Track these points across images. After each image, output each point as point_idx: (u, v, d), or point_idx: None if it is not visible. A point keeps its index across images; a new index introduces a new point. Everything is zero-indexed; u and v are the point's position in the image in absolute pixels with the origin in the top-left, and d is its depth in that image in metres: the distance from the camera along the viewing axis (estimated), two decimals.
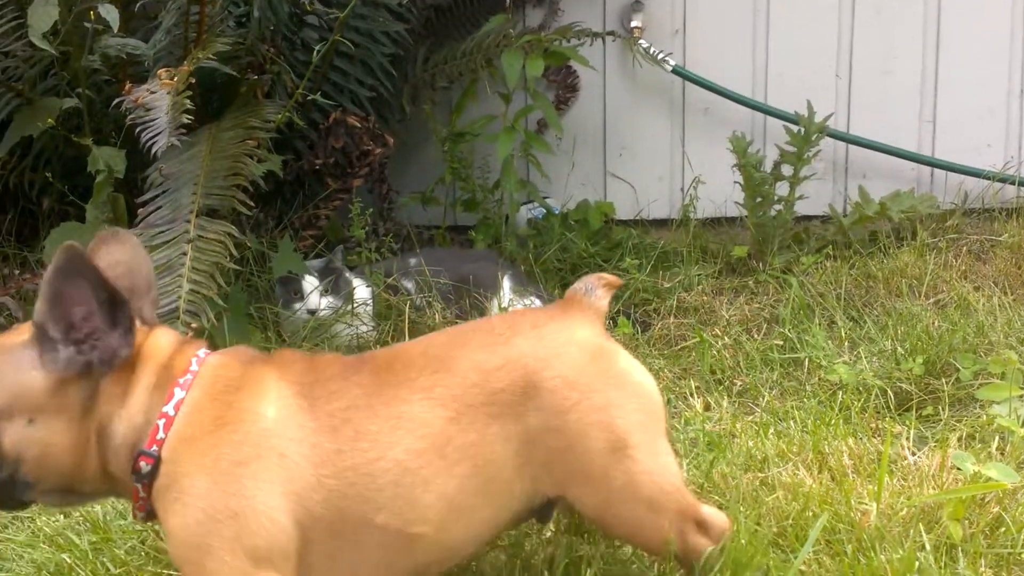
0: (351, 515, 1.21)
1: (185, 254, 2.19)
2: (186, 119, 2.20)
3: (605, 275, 1.41)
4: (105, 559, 1.55)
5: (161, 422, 1.22)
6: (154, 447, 1.22)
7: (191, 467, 1.21)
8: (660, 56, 3.40)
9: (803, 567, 1.44)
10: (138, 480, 1.23)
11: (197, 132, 2.52)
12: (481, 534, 1.31)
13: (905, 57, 3.41)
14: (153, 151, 2.19)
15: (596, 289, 1.38)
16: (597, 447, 1.28)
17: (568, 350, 1.31)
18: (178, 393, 1.24)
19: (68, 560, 1.58)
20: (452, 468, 1.24)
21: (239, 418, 1.22)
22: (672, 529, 1.32)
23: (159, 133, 2.17)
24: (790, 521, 1.59)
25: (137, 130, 2.23)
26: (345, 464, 1.21)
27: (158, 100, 2.23)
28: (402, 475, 1.22)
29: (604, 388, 1.30)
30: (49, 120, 2.54)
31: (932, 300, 2.67)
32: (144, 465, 1.22)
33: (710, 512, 1.38)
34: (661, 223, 3.54)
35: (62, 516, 1.78)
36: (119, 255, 1.31)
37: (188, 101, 2.23)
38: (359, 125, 3.14)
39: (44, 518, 1.77)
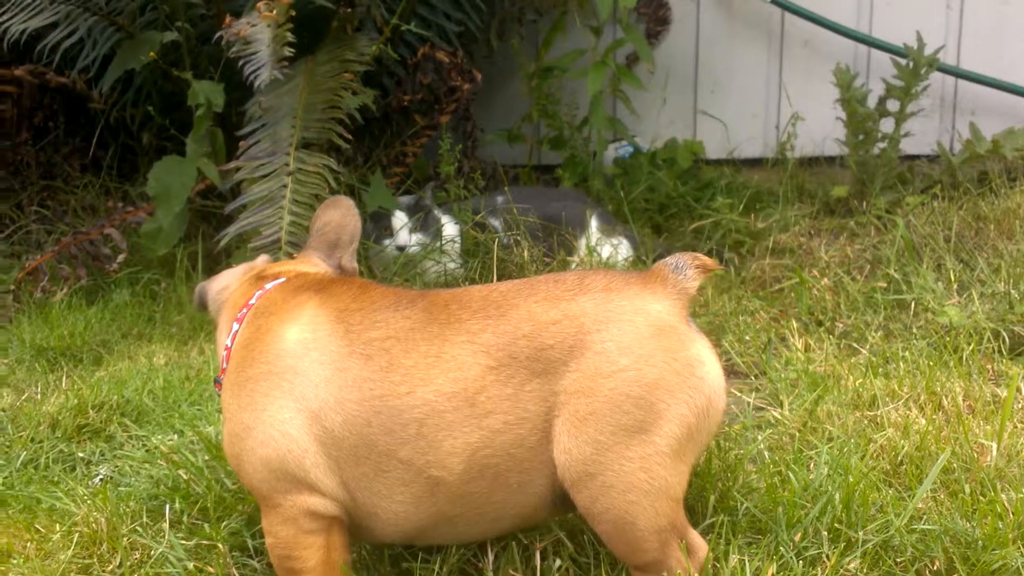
0: (375, 444, 1.20)
1: (286, 186, 2.22)
2: (287, 52, 2.20)
3: (701, 256, 1.27)
4: (221, 475, 1.61)
5: (225, 354, 1.36)
6: (221, 376, 1.36)
7: (226, 386, 1.32)
8: None
9: (919, 504, 1.40)
10: None
11: (293, 65, 2.53)
12: (511, 501, 1.22)
13: None
14: (256, 84, 2.20)
15: (687, 268, 1.24)
16: (622, 421, 1.16)
17: (632, 318, 1.19)
18: (234, 327, 1.36)
19: (184, 476, 1.64)
20: (481, 419, 1.18)
21: (260, 338, 1.29)
22: (663, 536, 1.19)
23: (261, 66, 2.19)
24: (900, 458, 1.55)
25: (240, 63, 2.25)
26: (373, 392, 1.20)
27: (259, 33, 2.24)
28: (428, 415, 1.19)
29: (660, 366, 1.17)
30: (151, 54, 2.58)
31: None
32: (216, 391, 1.35)
33: (697, 537, 1.26)
34: (753, 162, 3.44)
35: (176, 436, 1.86)
36: (332, 215, 1.52)
37: (289, 34, 2.24)
38: (447, 60, 3.11)
39: (159, 436, 1.85)
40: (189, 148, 2.63)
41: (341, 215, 1.51)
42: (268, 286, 1.39)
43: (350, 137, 2.40)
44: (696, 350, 1.21)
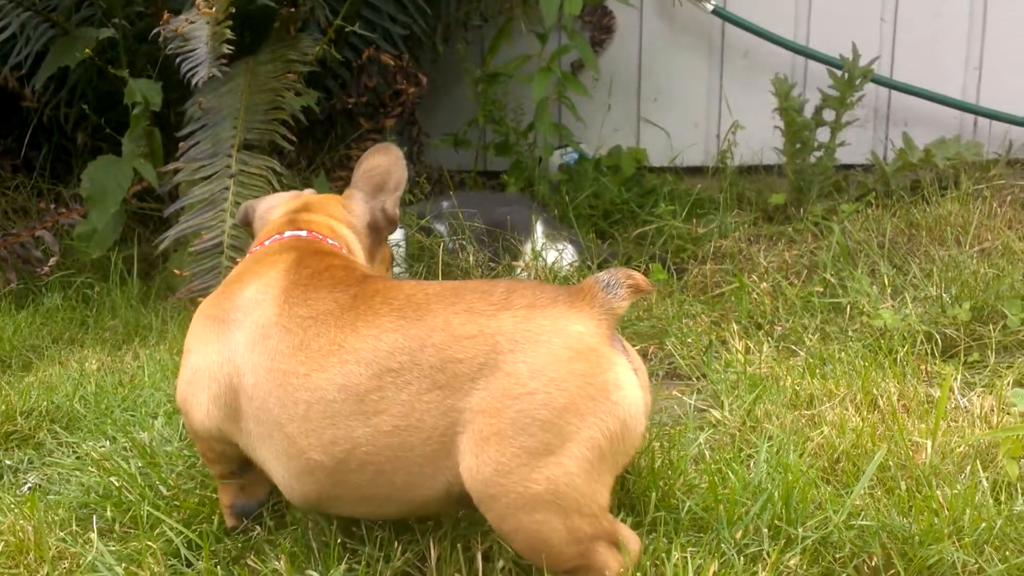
0: (271, 412, 1.25)
1: (227, 188, 2.18)
2: (226, 49, 2.17)
3: (636, 275, 1.21)
4: (155, 481, 1.56)
5: None
6: None
7: (198, 309, 1.41)
8: None
9: (857, 501, 1.43)
10: None
11: (234, 65, 2.49)
12: (396, 496, 1.22)
13: (953, 0, 3.31)
14: (194, 82, 2.16)
15: (619, 287, 1.19)
16: (527, 444, 1.13)
17: (550, 339, 1.15)
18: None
19: (116, 483, 1.59)
20: (368, 417, 1.18)
21: (232, 284, 1.38)
22: (581, 547, 1.17)
23: (199, 64, 2.14)
24: (838, 456, 1.58)
25: (177, 60, 2.20)
26: (279, 365, 1.24)
27: (197, 30, 2.20)
28: (317, 400, 1.20)
29: (572, 391, 1.13)
30: (87, 51, 2.51)
31: (977, 248, 2.63)
32: None
33: (628, 532, 1.24)
34: (695, 170, 3.49)
35: (108, 442, 1.80)
36: (380, 160, 1.56)
37: (228, 31, 2.20)
38: (392, 63, 3.10)
39: (91, 443, 1.79)
40: (125, 148, 2.56)
41: (390, 162, 1.55)
42: (287, 234, 1.45)
43: (293, 139, 2.37)
44: (614, 374, 1.16)
